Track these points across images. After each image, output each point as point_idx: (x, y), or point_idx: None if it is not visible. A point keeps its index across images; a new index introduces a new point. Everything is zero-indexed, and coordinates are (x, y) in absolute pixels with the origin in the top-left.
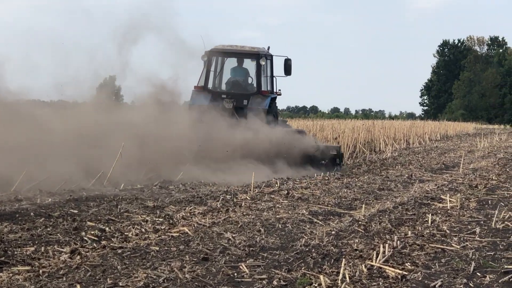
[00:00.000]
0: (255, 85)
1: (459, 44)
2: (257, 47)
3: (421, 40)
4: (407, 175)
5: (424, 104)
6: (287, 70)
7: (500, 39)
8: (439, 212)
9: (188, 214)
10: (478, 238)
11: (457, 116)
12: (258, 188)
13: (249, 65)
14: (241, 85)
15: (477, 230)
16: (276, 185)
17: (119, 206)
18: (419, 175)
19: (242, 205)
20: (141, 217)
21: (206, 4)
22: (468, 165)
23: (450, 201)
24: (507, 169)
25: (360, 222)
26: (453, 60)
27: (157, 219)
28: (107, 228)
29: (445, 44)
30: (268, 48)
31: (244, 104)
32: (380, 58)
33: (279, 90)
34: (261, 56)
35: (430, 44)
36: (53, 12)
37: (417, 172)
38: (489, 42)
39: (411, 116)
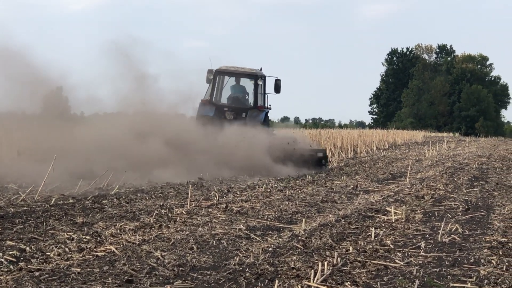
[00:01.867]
0: (252, 101)
1: (408, 52)
2: (254, 69)
3: (370, 48)
4: (352, 186)
5: (373, 113)
6: (277, 89)
7: (448, 47)
8: (383, 225)
9: (118, 231)
10: (423, 253)
11: (406, 124)
12: (195, 201)
13: (247, 83)
14: (240, 100)
15: (422, 244)
16: (215, 198)
17: (45, 223)
18: (364, 186)
19: (177, 220)
20: (67, 234)
21: (154, 14)
22: (416, 174)
23: (395, 213)
24: (455, 178)
25: (299, 238)
26: (402, 68)
27: (84, 236)
28: (27, 248)
29: (393, 52)
30: (261, 69)
31: (243, 116)
32: (329, 67)
33: (270, 105)
34: (258, 77)
35: (379, 53)
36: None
37: (363, 183)
38: (437, 50)
39: (360, 124)
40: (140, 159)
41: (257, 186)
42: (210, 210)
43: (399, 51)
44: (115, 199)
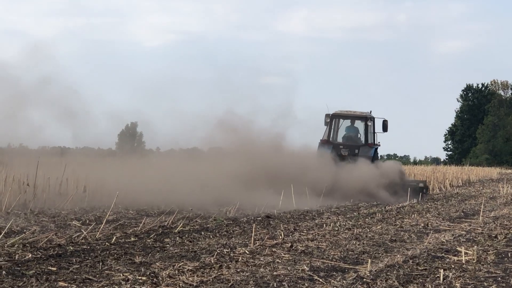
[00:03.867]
0: (363, 139)
1: (483, 88)
2: (365, 112)
3: (445, 84)
4: (423, 224)
5: (448, 149)
6: (384, 128)
7: None
8: (453, 266)
9: (176, 272)
10: None
11: (481, 160)
12: (260, 240)
13: (359, 124)
14: (353, 139)
15: (494, 287)
16: (280, 237)
17: (103, 263)
18: (435, 224)
19: (239, 260)
20: (123, 275)
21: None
22: (489, 213)
23: (466, 253)
24: None
25: (364, 279)
26: (477, 104)
27: (140, 277)
28: None
29: (468, 88)
30: (370, 111)
31: (355, 152)
32: (405, 103)
33: (379, 142)
34: (368, 119)
35: (454, 89)
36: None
37: (434, 221)
38: None
39: (435, 161)
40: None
41: (324, 225)
42: (274, 249)
43: (474, 87)
44: (177, 238)
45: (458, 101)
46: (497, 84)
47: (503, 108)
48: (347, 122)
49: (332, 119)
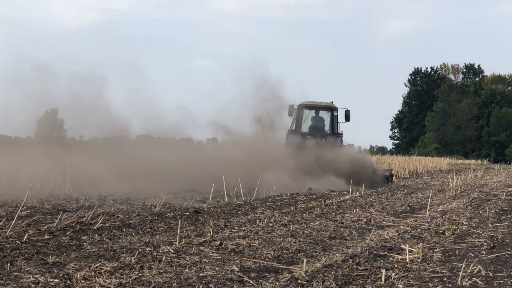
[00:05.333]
0: (328, 128)
1: (432, 72)
2: (329, 102)
3: (392, 68)
4: (365, 220)
5: (395, 138)
6: (347, 118)
7: (476, 67)
8: (396, 266)
9: (92, 273)
10: None
11: (430, 150)
12: (186, 238)
13: (324, 114)
14: (319, 129)
15: None
16: (209, 234)
17: (12, 263)
18: (379, 220)
19: (163, 259)
20: (33, 277)
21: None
22: (437, 207)
23: (410, 251)
24: (480, 211)
25: (299, 281)
26: (426, 90)
27: (52, 280)
28: None
29: (417, 72)
30: (332, 102)
31: (322, 141)
32: (347, 88)
33: (342, 131)
34: (334, 109)
35: (401, 73)
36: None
37: (377, 216)
38: (464, 70)
39: (381, 150)
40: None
41: (258, 220)
42: (201, 248)
43: (423, 71)
44: (96, 235)
45: (406, 86)
46: (447, 68)
47: (454, 94)
48: (313, 113)
49: (298, 109)
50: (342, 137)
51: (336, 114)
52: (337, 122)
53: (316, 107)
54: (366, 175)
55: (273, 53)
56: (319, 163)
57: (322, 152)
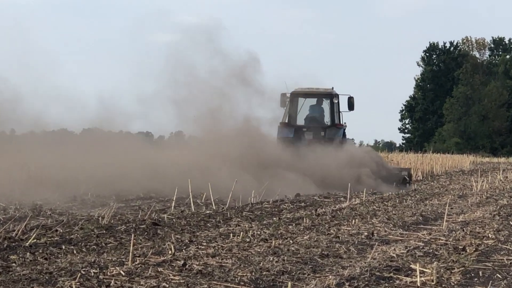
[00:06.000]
0: (329, 119)
1: (452, 48)
2: (329, 88)
3: (401, 44)
4: (366, 233)
5: (406, 130)
6: (350, 106)
7: (507, 41)
8: None
9: None
10: None
11: (450, 146)
12: (142, 256)
13: (323, 103)
14: (318, 120)
15: None
16: (170, 251)
17: None
18: (383, 233)
19: (111, 284)
20: None
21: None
22: (457, 216)
23: (422, 273)
24: (511, 222)
25: None
26: (444, 70)
27: None
28: None
29: (432, 48)
30: (333, 88)
31: (321, 135)
32: (348, 70)
33: (345, 123)
34: (333, 96)
35: (413, 50)
36: None
37: (382, 229)
38: (492, 46)
39: (389, 146)
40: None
41: (231, 234)
42: (160, 269)
43: (440, 46)
44: (28, 254)
45: (419, 65)
46: (470, 43)
47: (479, 75)
48: (309, 102)
49: (292, 98)
50: (344, 129)
51: (336, 102)
52: (339, 112)
53: (313, 95)
54: (378, 175)
55: (252, 23)
56: (317, 162)
57: (321, 149)
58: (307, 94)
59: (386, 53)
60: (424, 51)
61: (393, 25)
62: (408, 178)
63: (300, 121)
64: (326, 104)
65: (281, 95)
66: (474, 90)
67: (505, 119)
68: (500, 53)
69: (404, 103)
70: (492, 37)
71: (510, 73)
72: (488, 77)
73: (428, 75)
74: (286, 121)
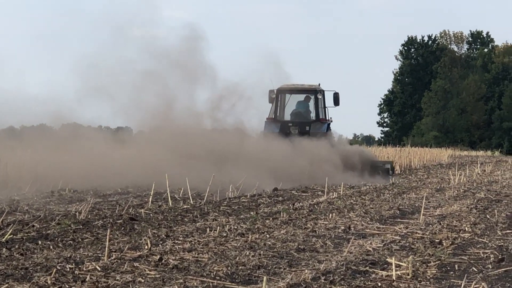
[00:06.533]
0: (314, 114)
1: (430, 42)
2: (313, 84)
3: (379, 38)
4: (343, 227)
5: (384, 124)
6: (336, 101)
7: (485, 35)
8: (380, 285)
9: None
10: None
11: (428, 139)
12: (118, 251)
13: (308, 99)
14: (303, 115)
15: None
16: (146, 246)
17: None
18: (360, 227)
19: (87, 279)
20: None
21: None
22: (434, 210)
23: (398, 266)
24: (488, 215)
25: None
26: (422, 64)
27: None
28: None
29: (411, 42)
30: (319, 84)
31: (306, 129)
32: (325, 63)
33: (331, 118)
34: (317, 92)
35: (391, 44)
36: None
37: (359, 222)
38: (470, 39)
39: (367, 140)
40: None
41: (208, 229)
42: (136, 264)
43: (418, 40)
44: (4, 249)
45: (397, 59)
46: (448, 37)
47: (457, 69)
48: (295, 97)
49: (278, 94)
50: (329, 124)
51: (320, 97)
52: (324, 107)
53: (298, 91)
54: (365, 168)
55: (233, 18)
56: (303, 156)
57: (306, 143)
58: (293, 90)
59: (364, 47)
60: (403, 45)
61: (371, 19)
62: (391, 171)
63: (287, 116)
64: (312, 100)
65: (269, 92)
66: (453, 84)
67: (483, 113)
68: (478, 46)
69: (383, 97)
70: (470, 31)
71: (488, 66)
72: (466, 71)
73: (406, 69)
74: (273, 116)
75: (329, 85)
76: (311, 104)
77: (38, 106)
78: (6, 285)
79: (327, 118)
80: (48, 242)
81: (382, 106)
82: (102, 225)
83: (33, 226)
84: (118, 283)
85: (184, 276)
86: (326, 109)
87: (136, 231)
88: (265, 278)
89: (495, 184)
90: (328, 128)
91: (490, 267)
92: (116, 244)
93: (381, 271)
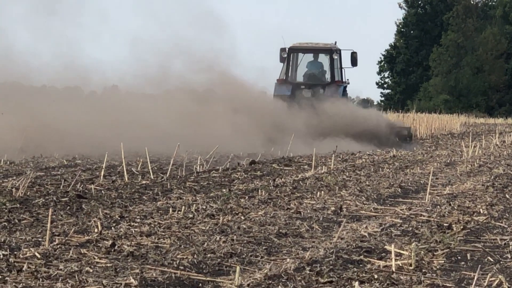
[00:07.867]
0: (328, 76)
1: None
2: (329, 43)
3: None
4: (333, 208)
5: (385, 86)
6: (353, 62)
7: None
8: (376, 277)
9: None
10: None
11: (437, 104)
12: (62, 235)
13: (323, 59)
14: (317, 77)
15: None
16: (96, 229)
17: None
18: (354, 208)
19: (23, 269)
20: None
21: None
22: (443, 188)
23: (399, 255)
24: (507, 195)
25: None
26: (431, 13)
27: None
28: None
29: None
30: (335, 42)
31: (320, 93)
32: (317, 13)
33: (348, 79)
34: (333, 51)
35: None
36: None
37: (352, 203)
38: None
39: (364, 103)
40: None
41: (171, 209)
42: (84, 250)
43: None
44: None
45: (401, 7)
46: None
47: (472, 20)
48: (308, 57)
49: (290, 54)
50: (345, 87)
51: (336, 57)
52: (340, 68)
53: (312, 50)
54: (381, 134)
55: None
56: (314, 121)
57: (319, 107)
58: (306, 50)
59: None
60: None
61: None
62: (409, 137)
63: (299, 78)
64: (326, 60)
65: (280, 50)
66: (467, 38)
67: (503, 73)
68: None
69: (383, 53)
70: None
71: (510, 17)
72: (484, 22)
73: (411, 20)
74: (284, 77)
75: (318, 37)
76: (326, 64)
77: None
78: None
79: (344, 80)
80: None
81: (382, 63)
82: (43, 203)
83: None
84: (62, 273)
85: (141, 266)
86: (343, 70)
87: (84, 211)
88: (238, 268)
89: None
90: (345, 91)
91: (509, 256)
92: (60, 226)
93: (378, 261)
